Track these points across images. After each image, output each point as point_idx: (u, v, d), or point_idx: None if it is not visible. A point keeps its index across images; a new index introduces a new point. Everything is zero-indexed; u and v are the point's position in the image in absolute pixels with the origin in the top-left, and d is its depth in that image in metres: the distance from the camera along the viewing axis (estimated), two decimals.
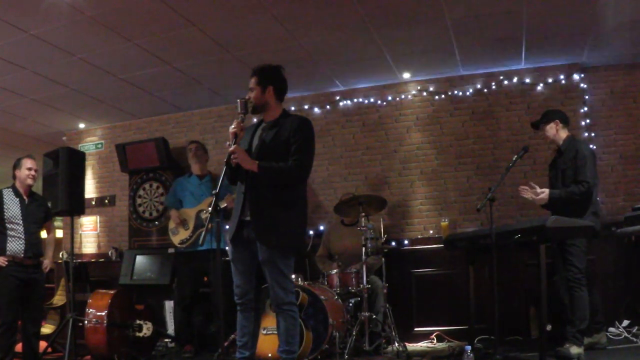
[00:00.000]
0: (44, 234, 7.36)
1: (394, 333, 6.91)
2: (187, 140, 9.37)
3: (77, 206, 7.46)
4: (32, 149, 11.03)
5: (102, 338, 7.25)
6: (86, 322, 7.32)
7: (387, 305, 7.13)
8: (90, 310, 7.40)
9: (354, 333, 6.61)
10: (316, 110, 9.38)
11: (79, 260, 9.90)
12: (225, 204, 7.39)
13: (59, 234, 13.28)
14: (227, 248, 5.05)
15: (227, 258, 5.05)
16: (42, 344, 7.50)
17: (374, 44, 7.63)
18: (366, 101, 9.20)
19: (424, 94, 8.96)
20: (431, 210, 8.74)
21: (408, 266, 8.47)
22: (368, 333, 6.70)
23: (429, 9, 6.75)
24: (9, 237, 6.77)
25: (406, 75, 8.84)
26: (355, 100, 9.24)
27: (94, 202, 10.71)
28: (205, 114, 10.14)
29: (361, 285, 6.94)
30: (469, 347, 5.57)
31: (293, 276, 6.79)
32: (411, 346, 7.58)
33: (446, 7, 6.67)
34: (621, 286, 7.79)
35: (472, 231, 7.13)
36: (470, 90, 8.74)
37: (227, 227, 5.09)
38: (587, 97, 8.37)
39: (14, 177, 7.09)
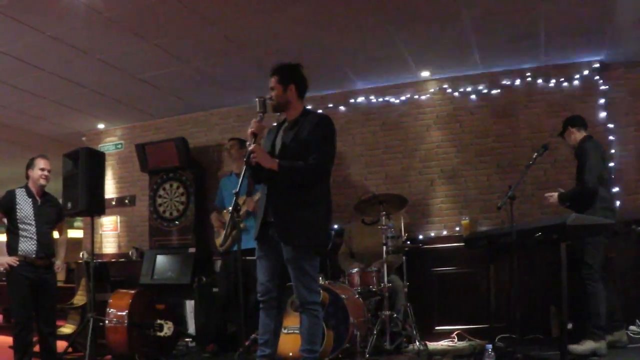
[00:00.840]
0: (56, 235, 7.35)
1: (414, 332, 6.87)
2: (207, 140, 9.38)
3: (97, 206, 7.47)
4: (52, 150, 11.09)
5: (122, 338, 7.26)
6: (107, 321, 7.33)
7: (408, 304, 7.10)
8: (111, 310, 7.41)
9: (374, 332, 6.58)
10: (336, 109, 9.36)
11: (100, 260, 9.95)
12: (246, 208, 7.39)
13: (79, 234, 13.41)
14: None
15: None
16: (63, 344, 7.55)
17: (393, 43, 7.61)
18: (386, 100, 9.17)
19: (444, 92, 8.93)
20: (451, 208, 8.71)
21: (428, 265, 8.45)
22: (389, 332, 6.68)
23: (447, 7, 6.73)
24: (21, 238, 6.72)
25: (425, 74, 8.81)
26: (375, 99, 9.22)
27: (114, 202, 10.76)
28: (224, 114, 10.16)
29: (382, 284, 6.92)
30: (489, 346, 5.55)
31: None
32: (432, 345, 7.54)
33: (464, 5, 6.65)
34: None
35: (492, 229, 7.11)
36: (490, 88, 8.69)
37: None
38: (606, 94, 8.29)
39: (27, 177, 7.02)
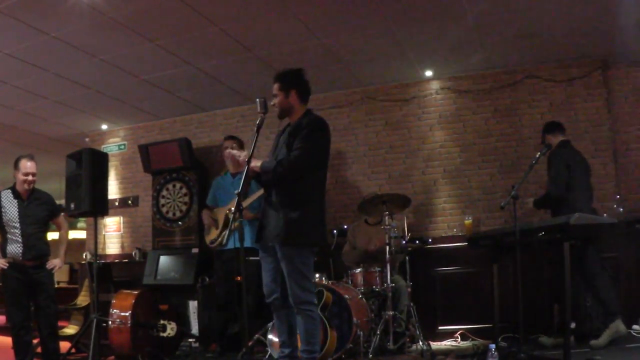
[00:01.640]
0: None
1: (418, 332, 6.86)
2: (211, 140, 9.37)
3: (100, 207, 7.45)
4: (55, 150, 11.15)
5: (126, 338, 7.27)
6: (110, 322, 7.34)
7: (411, 304, 7.10)
8: (114, 310, 7.42)
9: (378, 332, 6.57)
10: (339, 109, 9.36)
11: (103, 261, 9.97)
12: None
13: (82, 235, 13.40)
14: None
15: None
16: (66, 345, 7.56)
17: (396, 42, 7.61)
18: (389, 100, 9.17)
19: (447, 91, 8.93)
20: (454, 208, 8.71)
21: (432, 264, 8.45)
22: (392, 332, 6.68)
23: (450, 6, 6.72)
24: (8, 240, 6.68)
25: (428, 73, 8.82)
26: (378, 98, 9.22)
27: (117, 203, 10.77)
28: (228, 114, 10.17)
29: (385, 284, 6.92)
30: (493, 346, 5.54)
31: (317, 275, 6.81)
32: (435, 345, 7.57)
33: (468, 5, 6.64)
34: None
35: (495, 229, 7.11)
36: (493, 88, 8.68)
37: None
38: (609, 93, 8.29)
39: (15, 176, 6.88)
